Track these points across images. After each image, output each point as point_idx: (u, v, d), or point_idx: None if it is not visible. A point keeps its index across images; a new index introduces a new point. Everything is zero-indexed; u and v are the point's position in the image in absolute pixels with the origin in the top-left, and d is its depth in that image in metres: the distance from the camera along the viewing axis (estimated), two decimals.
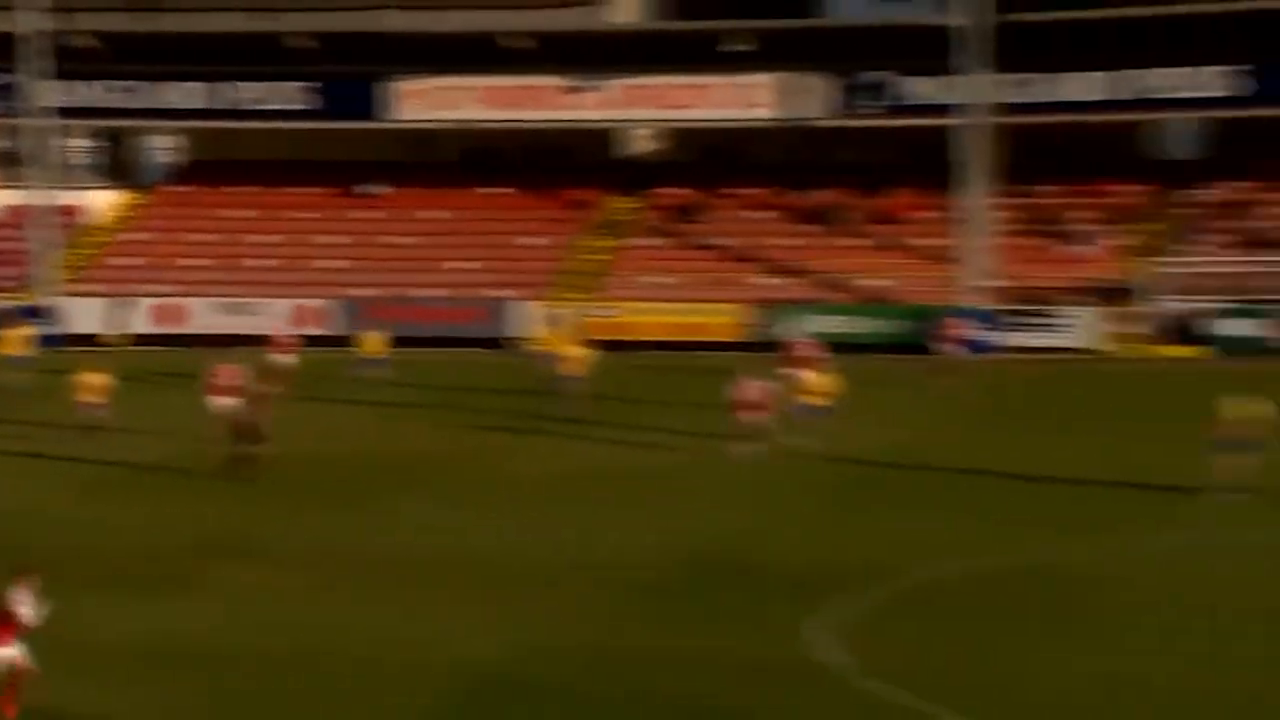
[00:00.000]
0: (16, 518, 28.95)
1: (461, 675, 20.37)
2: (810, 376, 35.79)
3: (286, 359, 42.69)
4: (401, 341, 46.77)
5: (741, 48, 54.25)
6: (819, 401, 34.85)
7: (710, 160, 58.49)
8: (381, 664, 20.82)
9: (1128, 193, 55.15)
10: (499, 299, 53.52)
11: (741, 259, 55.28)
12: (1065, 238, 53.97)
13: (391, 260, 56.41)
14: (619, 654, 21.29)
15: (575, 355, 40.09)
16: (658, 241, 56.48)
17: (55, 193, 56.55)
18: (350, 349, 46.48)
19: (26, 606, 18.65)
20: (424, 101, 57.00)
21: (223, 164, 61.10)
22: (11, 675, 18.38)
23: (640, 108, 56.52)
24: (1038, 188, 55.31)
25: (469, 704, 19.60)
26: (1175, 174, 55.67)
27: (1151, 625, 22.05)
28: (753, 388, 33.94)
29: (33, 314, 53.83)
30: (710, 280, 54.32)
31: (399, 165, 59.77)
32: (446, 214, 58.36)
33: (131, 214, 60.18)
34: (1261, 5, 52.62)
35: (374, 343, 45.51)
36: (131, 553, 26.69)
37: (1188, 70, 51.76)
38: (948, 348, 44.88)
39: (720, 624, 22.64)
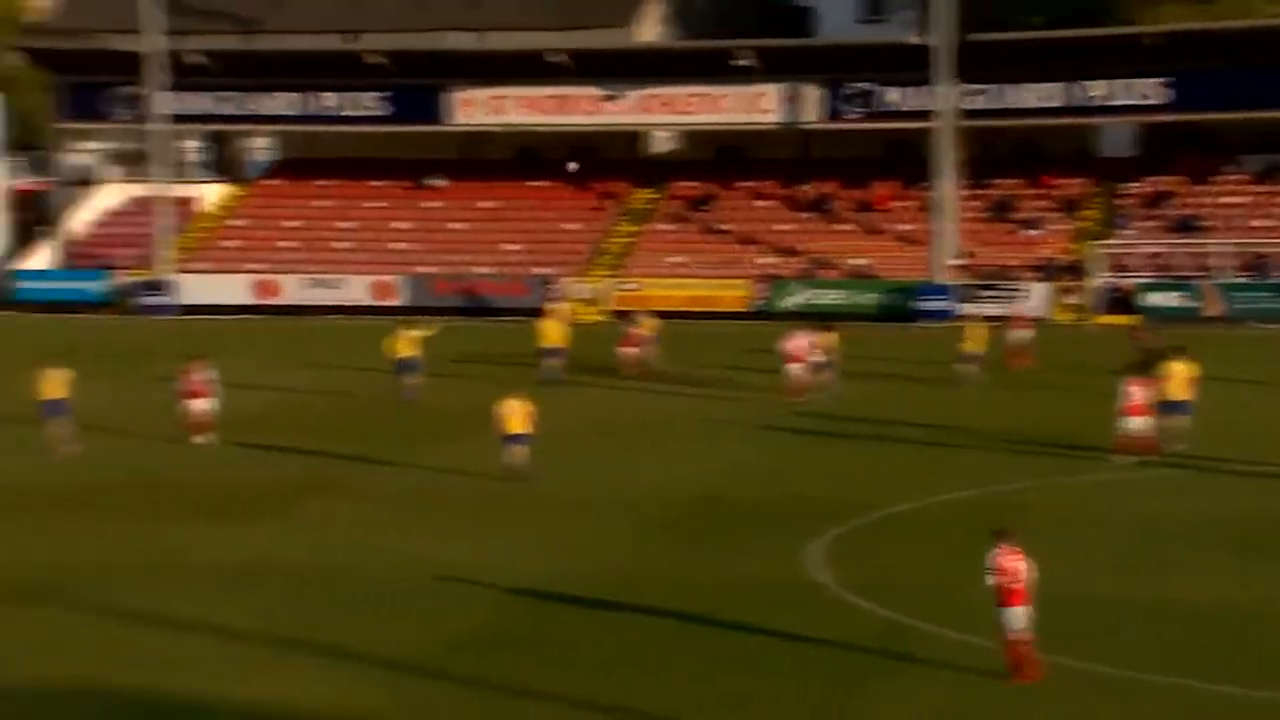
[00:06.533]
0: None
1: (508, 594, 20.57)
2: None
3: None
4: (457, 312, 47.03)
5: (746, 63, 54.35)
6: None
7: (721, 158, 58.66)
8: (446, 584, 21.03)
9: (1072, 185, 55.11)
10: (542, 275, 53.83)
11: (747, 241, 55.47)
12: (1020, 223, 54.01)
13: (451, 243, 56.76)
14: (642, 576, 21.39)
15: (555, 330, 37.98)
16: (675, 227, 56.72)
17: (172, 186, 56.98)
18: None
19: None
20: (478, 108, 57.26)
21: (310, 161, 61.47)
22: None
23: (660, 113, 56.72)
24: (996, 181, 55.34)
25: (519, 616, 19.72)
26: (1113, 170, 55.58)
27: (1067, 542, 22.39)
28: (799, 343, 34.43)
29: (153, 288, 54.48)
30: (719, 259, 54.54)
31: (457, 163, 60.02)
32: (499, 203, 58.62)
33: (234, 204, 60.61)
34: (1180, 27, 52.77)
35: None
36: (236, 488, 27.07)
37: (1120, 82, 51.76)
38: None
39: (722, 550, 22.90)
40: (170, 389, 31.51)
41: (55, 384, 29.72)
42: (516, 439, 26.37)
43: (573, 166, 57.74)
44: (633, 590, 20.63)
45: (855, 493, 26.08)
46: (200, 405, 30.45)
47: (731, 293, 52.32)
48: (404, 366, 34.46)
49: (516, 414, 26.37)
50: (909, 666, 17.62)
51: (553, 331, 37.29)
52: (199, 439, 30.32)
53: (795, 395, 33.94)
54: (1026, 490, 26.08)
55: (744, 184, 57.79)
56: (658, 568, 21.95)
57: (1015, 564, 16.84)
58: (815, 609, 19.81)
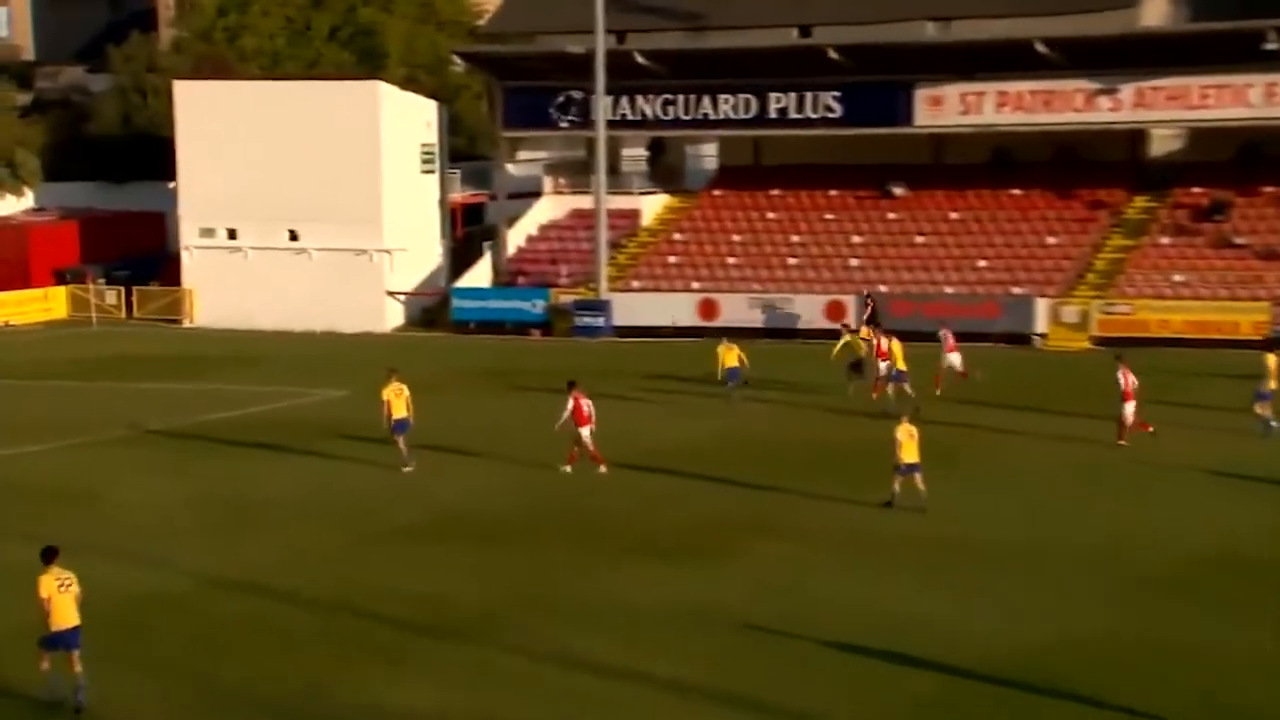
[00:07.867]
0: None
1: (979, 661, 19.35)
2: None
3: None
4: (924, 336, 44.82)
5: (1277, 46, 49.57)
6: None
7: (1240, 159, 53.80)
8: (897, 638, 20.14)
9: None
10: (1018, 296, 50.80)
11: (1271, 257, 50.65)
12: None
13: (913, 258, 54.58)
14: (1145, 644, 20.05)
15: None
16: (1178, 240, 52.44)
17: (613, 197, 57.37)
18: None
19: None
20: (947, 107, 54.85)
21: (756, 169, 60.81)
22: None
23: (1166, 108, 52.64)
24: None
25: (982, 692, 18.49)
26: None
27: None
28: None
29: (589, 308, 54.73)
30: (1234, 278, 50.03)
31: (921, 168, 57.84)
32: (967, 214, 56.01)
33: (676, 216, 60.54)
34: None
35: None
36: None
37: None
38: None
39: (1238, 619, 20.92)
40: (561, 415, 31.17)
41: (401, 402, 31.26)
42: (911, 468, 27.37)
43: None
44: (1123, 657, 19.39)
45: None
46: (581, 432, 30.79)
47: (1248, 317, 47.82)
48: (731, 375, 38.79)
49: (909, 441, 27.31)
50: None
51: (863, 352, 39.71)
52: (566, 468, 30.80)
53: (1134, 433, 32.35)
54: None
55: (1269, 189, 52.99)
56: (1161, 634, 20.30)
57: None
58: None
